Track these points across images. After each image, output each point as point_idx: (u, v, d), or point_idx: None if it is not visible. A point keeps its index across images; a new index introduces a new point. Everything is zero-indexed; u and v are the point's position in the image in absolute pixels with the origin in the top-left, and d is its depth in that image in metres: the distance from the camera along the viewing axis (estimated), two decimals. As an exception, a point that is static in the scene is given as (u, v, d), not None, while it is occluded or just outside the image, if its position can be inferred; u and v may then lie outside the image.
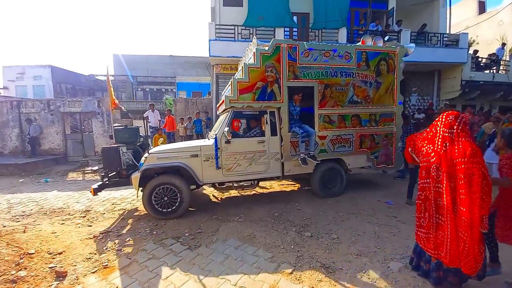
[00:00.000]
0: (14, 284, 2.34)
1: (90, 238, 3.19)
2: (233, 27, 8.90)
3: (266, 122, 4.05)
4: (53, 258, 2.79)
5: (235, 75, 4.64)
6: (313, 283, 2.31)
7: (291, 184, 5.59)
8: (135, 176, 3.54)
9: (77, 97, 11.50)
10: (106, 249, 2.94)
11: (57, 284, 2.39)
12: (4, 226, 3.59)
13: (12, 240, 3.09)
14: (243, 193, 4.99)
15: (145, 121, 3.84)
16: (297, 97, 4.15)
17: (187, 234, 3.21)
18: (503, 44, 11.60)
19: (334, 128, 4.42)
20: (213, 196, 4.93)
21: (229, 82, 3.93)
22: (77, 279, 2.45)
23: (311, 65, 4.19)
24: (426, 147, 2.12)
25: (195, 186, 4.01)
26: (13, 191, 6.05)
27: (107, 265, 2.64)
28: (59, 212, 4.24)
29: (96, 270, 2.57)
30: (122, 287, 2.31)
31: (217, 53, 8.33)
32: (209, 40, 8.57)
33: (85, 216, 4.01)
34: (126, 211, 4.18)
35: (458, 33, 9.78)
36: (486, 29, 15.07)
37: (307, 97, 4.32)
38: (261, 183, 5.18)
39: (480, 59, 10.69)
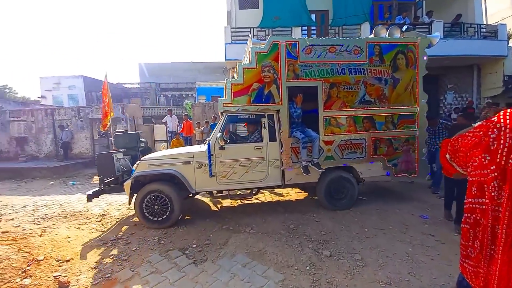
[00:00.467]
0: None
1: (100, 245, 3.20)
2: (248, 29, 8.80)
3: (264, 127, 3.76)
4: (60, 266, 2.81)
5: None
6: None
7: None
8: (127, 183, 3.50)
9: (104, 105, 12.38)
10: (113, 257, 2.91)
11: (58, 295, 2.36)
12: (24, 229, 3.76)
13: (26, 244, 3.21)
14: (258, 201, 4.74)
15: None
16: (298, 98, 3.80)
17: (194, 246, 3.07)
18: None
19: (342, 132, 3.95)
20: (229, 203, 4.69)
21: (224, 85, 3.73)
22: (78, 291, 2.41)
23: (314, 62, 3.80)
24: (480, 157, 1.57)
25: (191, 194, 3.87)
26: (41, 193, 6.54)
27: (109, 277, 2.58)
28: (78, 215, 4.37)
29: (98, 283, 2.51)
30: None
31: (233, 57, 8.30)
32: (225, 44, 8.60)
33: (100, 221, 4.07)
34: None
35: (496, 24, 8.51)
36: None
37: (310, 98, 3.93)
38: (276, 190, 4.96)
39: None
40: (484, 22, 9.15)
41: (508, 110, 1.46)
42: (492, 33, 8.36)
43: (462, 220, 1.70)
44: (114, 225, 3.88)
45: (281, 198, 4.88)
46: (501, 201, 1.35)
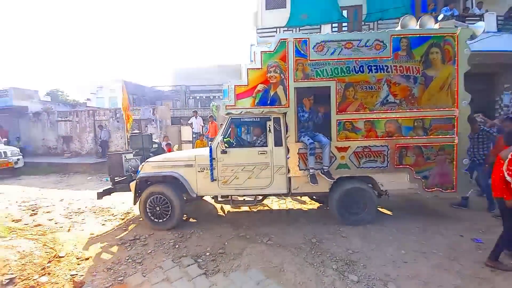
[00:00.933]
0: None
1: (119, 244, 3.32)
2: (275, 30, 8.68)
3: (269, 130, 3.56)
4: (79, 264, 2.99)
5: None
6: None
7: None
8: (132, 183, 3.63)
9: (139, 106, 13.42)
10: (128, 259, 2.99)
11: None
12: (56, 223, 4.13)
13: (52, 239, 3.48)
14: (278, 207, 4.55)
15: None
16: (306, 100, 3.51)
17: (208, 254, 3.00)
18: None
19: (359, 138, 3.53)
20: (248, 208, 4.57)
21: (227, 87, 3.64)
22: (90, 292, 2.51)
23: (327, 60, 3.47)
24: None
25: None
26: (79, 188, 7.30)
27: (122, 280, 2.68)
28: (105, 211, 4.67)
29: (110, 286, 2.60)
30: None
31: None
32: (250, 45, 8.59)
33: (124, 218, 4.29)
34: None
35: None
36: None
37: (324, 101, 3.61)
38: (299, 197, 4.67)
39: None
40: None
41: None
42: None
43: None
44: (136, 224, 3.99)
45: (303, 206, 4.56)
46: None
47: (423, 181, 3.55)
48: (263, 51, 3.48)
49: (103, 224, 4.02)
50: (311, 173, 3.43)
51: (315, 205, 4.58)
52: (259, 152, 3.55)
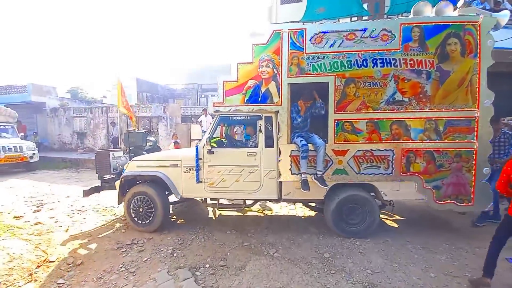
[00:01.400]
0: None
1: (115, 249, 3.15)
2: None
3: (260, 130, 3.33)
4: (68, 271, 2.79)
5: None
6: None
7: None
8: (117, 182, 3.57)
9: (150, 104, 13.71)
10: (121, 268, 2.80)
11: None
12: (56, 221, 4.10)
13: (47, 241, 3.41)
14: (287, 214, 4.28)
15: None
16: (302, 100, 3.24)
17: (207, 266, 2.76)
18: None
19: (360, 140, 3.19)
20: (256, 212, 4.40)
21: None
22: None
23: (325, 53, 3.16)
24: None
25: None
26: (87, 184, 7.48)
27: None
28: (108, 211, 4.61)
29: None
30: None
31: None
32: None
33: (125, 219, 4.02)
34: None
35: None
36: None
37: (323, 98, 3.31)
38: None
39: None
40: None
41: None
42: None
43: None
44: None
45: (315, 214, 4.19)
46: None
47: (433, 191, 3.14)
48: (254, 44, 3.24)
49: (103, 225, 3.91)
50: (302, 178, 3.15)
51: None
52: (248, 154, 3.33)
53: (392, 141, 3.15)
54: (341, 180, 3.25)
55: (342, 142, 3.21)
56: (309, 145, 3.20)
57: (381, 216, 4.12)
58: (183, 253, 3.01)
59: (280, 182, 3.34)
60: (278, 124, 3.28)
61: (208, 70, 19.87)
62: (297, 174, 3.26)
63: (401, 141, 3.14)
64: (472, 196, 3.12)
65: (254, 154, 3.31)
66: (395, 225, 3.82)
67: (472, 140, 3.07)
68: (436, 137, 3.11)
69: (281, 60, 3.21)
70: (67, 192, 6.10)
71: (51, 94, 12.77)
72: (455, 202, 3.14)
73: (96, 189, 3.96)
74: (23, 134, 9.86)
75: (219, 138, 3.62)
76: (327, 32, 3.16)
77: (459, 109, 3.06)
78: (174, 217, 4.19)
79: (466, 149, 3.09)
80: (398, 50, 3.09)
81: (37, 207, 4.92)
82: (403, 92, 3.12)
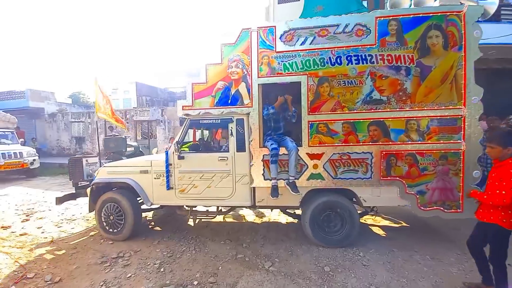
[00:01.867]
0: None
1: (98, 264, 3.04)
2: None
3: (231, 134, 3.25)
4: None
5: None
6: None
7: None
8: (88, 189, 3.58)
9: (148, 107, 13.90)
10: (101, 286, 2.65)
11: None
12: (43, 232, 4.05)
13: (28, 254, 3.33)
14: (286, 221, 4.16)
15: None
16: (279, 100, 3.15)
17: (195, 283, 2.61)
18: None
19: (336, 143, 3.06)
20: (253, 219, 4.32)
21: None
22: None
23: (297, 51, 3.06)
24: None
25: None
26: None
27: None
28: None
29: None
30: None
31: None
32: None
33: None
34: (155, 227, 4.03)
35: None
36: None
37: (296, 99, 3.20)
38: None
39: None
40: None
41: None
42: None
43: None
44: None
45: (299, 222, 3.97)
46: None
47: (418, 197, 2.96)
48: (223, 44, 3.18)
49: (91, 235, 3.79)
50: (272, 184, 3.05)
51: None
52: (219, 158, 3.26)
53: (370, 143, 3.00)
54: (317, 185, 3.13)
55: (317, 145, 3.09)
56: (282, 148, 3.11)
57: (386, 223, 4.02)
58: (171, 268, 2.88)
59: (254, 188, 3.25)
60: (250, 127, 3.20)
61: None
62: (270, 180, 3.16)
63: (380, 143, 2.99)
64: (461, 202, 2.93)
65: (226, 158, 3.24)
66: (401, 233, 3.61)
67: (459, 141, 2.88)
68: (418, 138, 2.94)
69: (250, 60, 3.14)
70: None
71: (50, 100, 13.17)
72: (442, 208, 2.95)
73: (72, 196, 3.98)
74: (22, 140, 10.09)
75: (192, 142, 3.57)
76: (298, 29, 3.06)
77: (443, 107, 2.89)
78: (162, 226, 4.09)
79: (452, 151, 2.90)
80: (374, 46, 2.95)
81: (27, 216, 4.96)
82: (381, 90, 2.97)
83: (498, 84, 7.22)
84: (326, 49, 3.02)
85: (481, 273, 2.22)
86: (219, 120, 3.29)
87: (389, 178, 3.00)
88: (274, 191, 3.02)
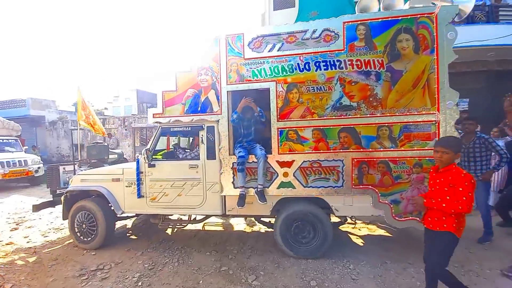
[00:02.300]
0: None
1: (76, 277, 3.01)
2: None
3: (202, 141, 3.28)
4: None
5: None
6: None
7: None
8: (62, 197, 3.66)
9: (145, 114, 14.22)
10: None
11: None
12: (28, 242, 4.10)
13: (8, 265, 3.35)
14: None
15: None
16: (241, 103, 3.16)
17: None
18: None
19: (306, 150, 3.04)
20: (243, 228, 4.28)
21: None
22: None
23: (265, 58, 3.08)
24: None
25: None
26: None
27: None
28: None
29: None
30: None
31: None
32: None
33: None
34: (141, 237, 4.01)
35: None
36: None
37: (265, 106, 3.21)
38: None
39: None
40: None
41: None
42: None
43: None
44: (110, 246, 3.65)
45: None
46: None
47: (391, 206, 2.88)
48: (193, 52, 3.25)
49: (75, 246, 3.71)
50: (240, 193, 3.03)
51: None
52: (190, 166, 3.28)
53: (341, 150, 2.97)
54: (287, 194, 3.10)
55: (287, 152, 3.07)
56: (252, 156, 3.11)
57: (381, 233, 3.91)
58: (150, 282, 2.83)
59: (224, 196, 3.25)
60: (220, 134, 3.22)
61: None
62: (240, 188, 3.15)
63: (351, 150, 2.95)
64: (437, 211, 2.83)
65: (196, 166, 3.26)
66: (396, 244, 3.51)
67: (433, 148, 2.81)
68: (390, 144, 2.89)
69: (219, 67, 3.18)
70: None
71: (51, 108, 13.65)
72: (418, 219, 2.85)
73: (50, 204, 4.06)
74: (26, 147, 10.37)
75: (165, 150, 3.61)
76: (266, 35, 3.09)
77: (416, 113, 2.83)
78: (147, 236, 4.06)
79: (427, 158, 2.82)
80: (342, 51, 2.94)
81: (17, 224, 5.04)
82: (351, 96, 2.94)
83: (498, 86, 7.05)
84: (294, 55, 3.03)
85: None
86: (190, 128, 3.32)
87: (361, 186, 2.94)
88: (241, 199, 3.01)
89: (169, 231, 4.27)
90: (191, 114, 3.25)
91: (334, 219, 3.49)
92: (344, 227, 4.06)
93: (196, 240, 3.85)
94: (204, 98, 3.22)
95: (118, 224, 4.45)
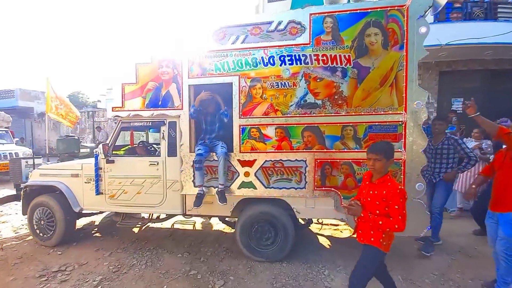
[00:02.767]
0: None
1: (36, 278, 2.91)
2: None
3: (163, 137, 3.17)
4: None
5: None
6: None
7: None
8: (21, 192, 3.58)
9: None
10: None
11: None
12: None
13: None
14: None
15: None
16: (199, 96, 3.02)
17: None
18: None
19: (268, 149, 2.93)
20: (223, 227, 4.10)
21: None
22: None
23: (228, 50, 2.96)
24: None
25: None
26: None
27: None
28: None
29: None
30: None
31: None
32: None
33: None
34: (114, 235, 3.89)
35: None
36: None
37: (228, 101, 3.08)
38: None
39: None
40: None
41: None
42: None
43: None
44: (79, 244, 3.59)
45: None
46: None
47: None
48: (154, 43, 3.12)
49: (42, 244, 3.57)
50: (198, 192, 2.93)
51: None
52: (150, 163, 3.18)
53: (304, 150, 2.85)
54: (248, 194, 2.99)
55: (249, 151, 2.96)
56: (213, 154, 3.00)
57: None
58: (111, 286, 2.71)
59: (185, 195, 3.15)
60: (181, 131, 3.11)
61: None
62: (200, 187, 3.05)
63: (314, 150, 2.83)
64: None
65: (156, 163, 3.16)
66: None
67: (399, 150, 2.68)
68: (355, 145, 2.77)
69: (181, 60, 3.05)
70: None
71: (40, 99, 13.54)
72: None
73: (14, 198, 4.00)
74: (16, 140, 10.06)
75: (129, 145, 3.52)
76: (229, 27, 2.95)
77: (382, 112, 2.70)
78: (121, 235, 3.92)
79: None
80: (308, 45, 2.80)
81: None
82: (316, 94, 2.81)
83: (494, 85, 6.87)
84: (259, 48, 2.89)
85: None
86: (151, 123, 3.21)
87: (323, 188, 2.83)
88: (198, 199, 2.90)
89: (144, 230, 4.14)
90: (151, 109, 3.14)
91: (302, 220, 3.41)
92: (326, 228, 3.96)
93: (171, 240, 3.74)
94: (165, 91, 3.10)
95: (95, 221, 4.38)
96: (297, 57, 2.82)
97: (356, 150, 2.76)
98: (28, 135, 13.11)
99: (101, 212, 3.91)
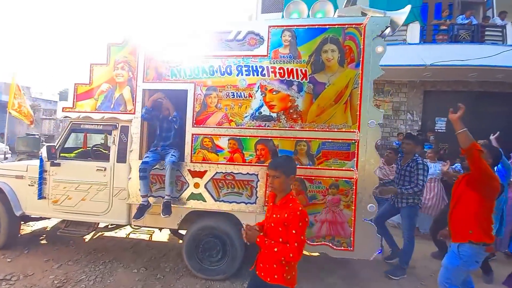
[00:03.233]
0: None
1: None
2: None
3: (113, 142, 3.03)
4: None
5: None
6: None
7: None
8: None
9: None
10: None
11: None
12: None
13: None
14: None
15: None
16: (152, 97, 2.91)
17: None
18: None
19: (220, 160, 2.82)
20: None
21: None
22: None
23: (185, 57, 2.89)
24: None
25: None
26: None
27: None
28: (24, 226, 3.98)
29: None
30: None
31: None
32: None
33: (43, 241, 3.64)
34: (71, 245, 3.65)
35: None
36: None
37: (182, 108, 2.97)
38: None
39: None
40: None
41: None
42: None
43: None
44: (31, 252, 3.36)
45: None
46: None
47: (303, 229, 2.67)
48: (111, 43, 3.02)
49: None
50: (141, 202, 2.78)
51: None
52: (97, 168, 3.02)
53: (256, 164, 2.75)
54: (197, 207, 2.85)
55: (200, 161, 2.84)
56: (163, 162, 2.86)
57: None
58: None
59: (130, 205, 2.99)
60: (131, 136, 2.98)
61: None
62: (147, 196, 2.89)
63: (267, 164, 2.73)
64: (352, 239, 2.62)
65: (103, 169, 3.00)
66: (353, 264, 3.27)
67: (351, 168, 2.62)
68: (308, 161, 2.68)
69: (137, 63, 2.96)
70: None
71: (25, 95, 13.15)
72: (331, 244, 2.65)
73: None
74: None
75: (82, 148, 3.36)
76: (189, 31, 2.89)
77: (336, 130, 2.64)
78: (79, 245, 3.66)
79: (344, 179, 2.63)
80: (266, 57, 2.75)
81: None
82: (271, 106, 2.74)
83: (479, 107, 6.93)
84: (216, 57, 2.83)
85: None
86: (102, 126, 3.08)
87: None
88: (139, 211, 2.73)
89: (106, 240, 3.86)
90: (103, 111, 3.00)
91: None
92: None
93: (131, 253, 3.49)
94: (119, 94, 2.99)
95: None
96: (254, 68, 2.76)
97: (308, 166, 2.67)
98: (9, 131, 12.68)
99: (46, 218, 3.68)
